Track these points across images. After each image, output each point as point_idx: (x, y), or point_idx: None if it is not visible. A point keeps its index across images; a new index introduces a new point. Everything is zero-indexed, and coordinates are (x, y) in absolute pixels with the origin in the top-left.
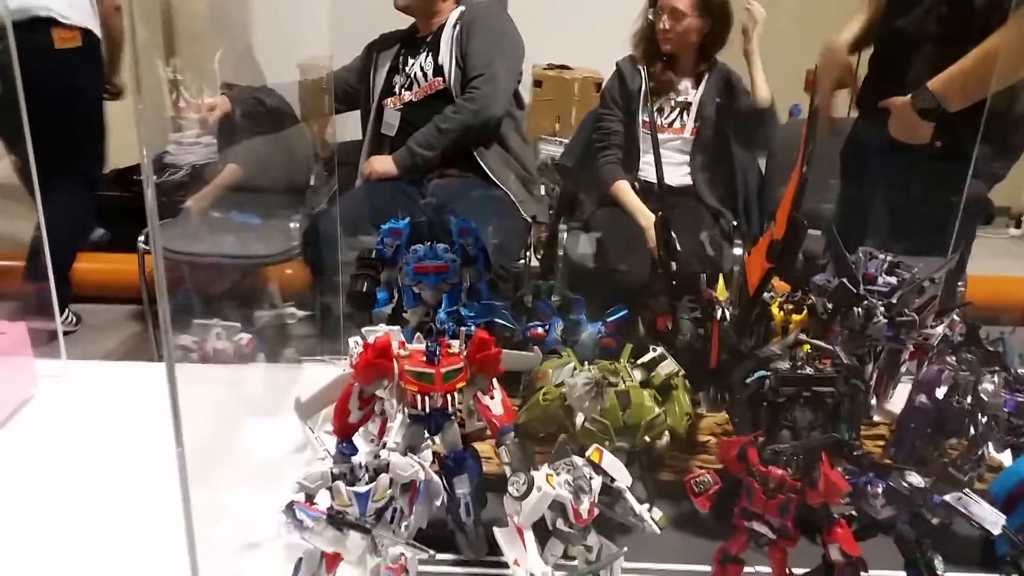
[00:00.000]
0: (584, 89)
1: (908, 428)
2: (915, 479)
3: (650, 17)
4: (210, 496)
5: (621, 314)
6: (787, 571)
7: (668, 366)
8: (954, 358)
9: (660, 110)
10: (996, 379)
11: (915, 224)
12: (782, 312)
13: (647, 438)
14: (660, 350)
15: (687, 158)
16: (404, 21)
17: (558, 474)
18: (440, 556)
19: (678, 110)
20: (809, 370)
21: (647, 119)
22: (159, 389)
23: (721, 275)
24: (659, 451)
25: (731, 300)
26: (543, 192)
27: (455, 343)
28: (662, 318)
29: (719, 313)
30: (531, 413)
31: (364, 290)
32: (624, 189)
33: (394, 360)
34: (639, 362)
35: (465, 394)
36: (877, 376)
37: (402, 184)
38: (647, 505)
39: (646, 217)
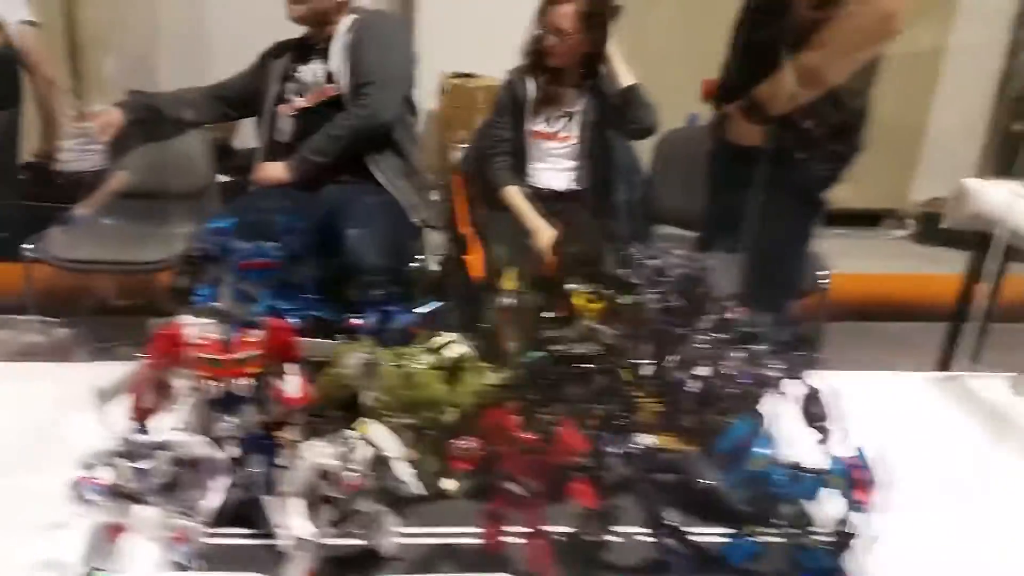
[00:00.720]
0: (488, 97)
1: (674, 401)
2: (646, 440)
3: (538, 32)
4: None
5: (435, 306)
6: (540, 527)
7: (458, 348)
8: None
9: (548, 119)
10: (738, 356)
11: (749, 224)
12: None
13: (431, 414)
14: (452, 335)
15: (574, 163)
16: None
17: (328, 446)
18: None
19: (565, 119)
20: (583, 350)
21: (536, 128)
22: None
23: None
24: (451, 426)
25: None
26: (434, 199)
27: (256, 332)
28: None
29: (507, 302)
30: (320, 392)
31: (184, 286)
32: (514, 194)
33: (186, 347)
34: (430, 346)
35: (266, 379)
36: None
37: (294, 191)
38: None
39: (533, 220)
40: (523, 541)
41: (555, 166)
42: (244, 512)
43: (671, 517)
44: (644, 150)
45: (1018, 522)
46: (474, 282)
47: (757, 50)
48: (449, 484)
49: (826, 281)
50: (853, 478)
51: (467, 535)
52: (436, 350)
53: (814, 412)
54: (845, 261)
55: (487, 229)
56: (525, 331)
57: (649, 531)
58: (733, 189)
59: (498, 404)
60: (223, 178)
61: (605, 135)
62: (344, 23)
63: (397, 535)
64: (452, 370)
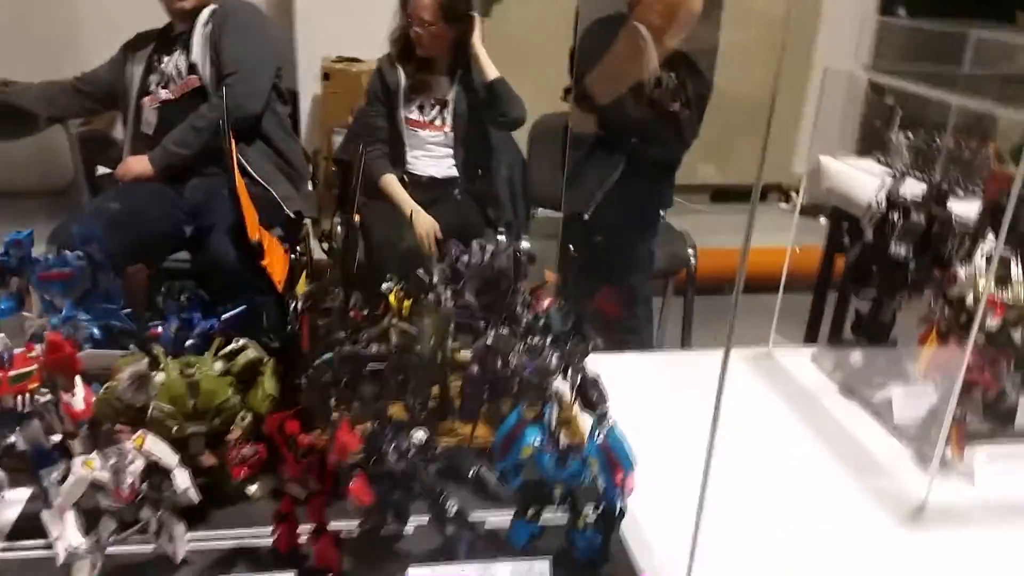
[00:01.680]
0: None
1: (468, 393)
2: (419, 435)
3: (403, 23)
4: None
5: (238, 310)
6: (323, 522)
7: (250, 354)
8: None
9: (421, 107)
10: (521, 347)
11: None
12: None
13: (217, 421)
14: (243, 341)
15: (451, 151)
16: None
17: (103, 459)
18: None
19: (438, 108)
20: (375, 349)
21: (410, 116)
22: None
23: (304, 270)
24: (245, 430)
25: None
26: (311, 188)
27: (38, 347)
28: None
29: (301, 305)
30: (98, 407)
31: None
32: (390, 182)
33: None
34: (220, 353)
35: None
36: None
37: (159, 185)
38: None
39: (411, 208)
40: (311, 539)
41: (432, 154)
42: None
43: (452, 505)
44: (521, 136)
45: (794, 499)
46: (276, 286)
47: (588, 41)
48: (251, 487)
49: (693, 257)
50: (608, 460)
51: (263, 536)
52: (227, 357)
53: (590, 397)
54: (728, 236)
55: (365, 217)
56: (325, 332)
57: (433, 520)
58: (580, 174)
59: (282, 408)
60: (104, 170)
61: (480, 123)
62: (204, 12)
63: (185, 541)
64: (243, 376)
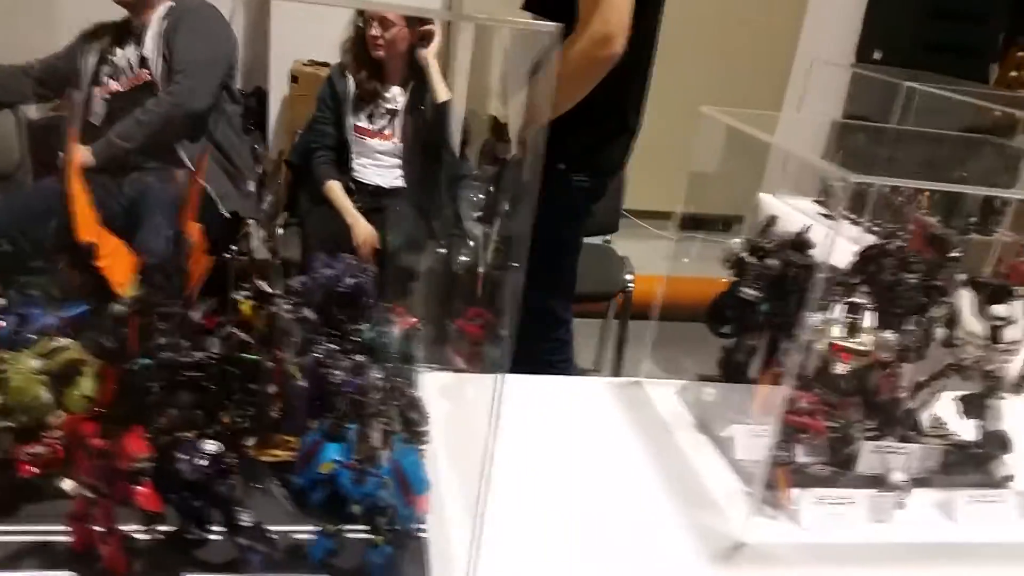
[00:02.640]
0: None
1: (291, 409)
2: (210, 446)
3: (359, 24)
4: None
5: (80, 310)
6: (111, 525)
7: (70, 354)
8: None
9: (371, 116)
10: (345, 363)
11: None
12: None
13: (25, 418)
14: (67, 341)
15: (399, 161)
16: None
17: None
18: None
19: (388, 117)
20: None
21: (358, 123)
22: None
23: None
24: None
25: None
26: (252, 188)
27: None
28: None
29: (128, 308)
30: None
31: None
32: (334, 189)
33: None
34: (40, 351)
35: None
36: None
37: (98, 176)
38: None
39: (351, 216)
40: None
41: (380, 163)
42: None
43: (245, 518)
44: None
45: (617, 529)
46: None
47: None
48: (66, 483)
49: (630, 283)
50: (401, 481)
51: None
52: (46, 355)
53: (409, 418)
54: (691, 264)
55: (308, 221)
56: (147, 336)
57: (227, 531)
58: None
59: (86, 409)
60: None
61: (430, 131)
62: (160, 9)
63: None
64: (64, 375)
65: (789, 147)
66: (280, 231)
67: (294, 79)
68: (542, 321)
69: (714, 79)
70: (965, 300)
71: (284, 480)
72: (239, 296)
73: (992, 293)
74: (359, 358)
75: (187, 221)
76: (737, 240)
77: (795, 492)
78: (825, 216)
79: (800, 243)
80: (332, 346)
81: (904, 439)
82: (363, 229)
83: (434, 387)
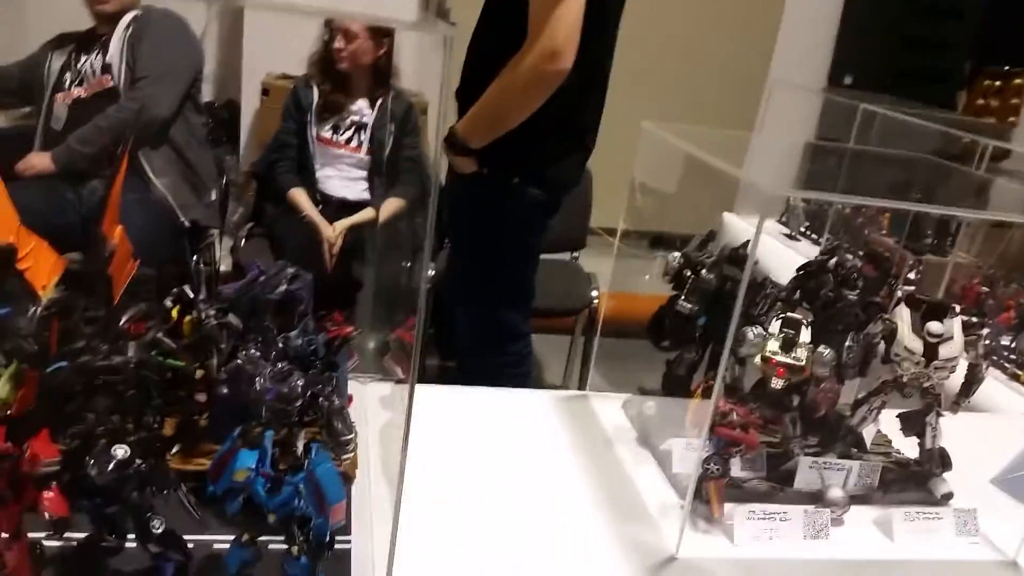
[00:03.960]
0: None
1: (216, 415)
2: (120, 451)
3: (325, 38)
4: None
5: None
6: (15, 531)
7: None
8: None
9: (336, 128)
10: (266, 372)
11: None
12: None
13: None
14: None
15: (365, 174)
16: None
17: None
18: None
19: (353, 128)
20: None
21: (322, 134)
22: None
23: None
24: None
25: None
26: (213, 198)
27: None
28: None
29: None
30: None
31: None
32: (297, 194)
33: None
34: None
35: None
36: None
37: (57, 182)
38: None
39: (315, 217)
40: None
41: (345, 175)
42: None
43: (157, 525)
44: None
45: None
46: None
47: (466, 86)
48: None
49: (596, 299)
50: (315, 491)
51: None
52: None
53: (334, 427)
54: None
55: (274, 230)
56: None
57: (139, 538)
58: (462, 215)
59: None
60: None
61: (396, 152)
62: (127, 17)
63: None
64: None
65: (715, 162)
66: (244, 240)
67: (265, 92)
68: (500, 334)
69: (688, 101)
70: (903, 317)
71: (197, 489)
72: (167, 303)
73: (928, 311)
74: (282, 366)
75: (109, 225)
76: (676, 254)
77: (728, 507)
78: (787, 236)
79: (737, 258)
80: (254, 353)
81: (845, 455)
82: (327, 229)
83: (374, 396)
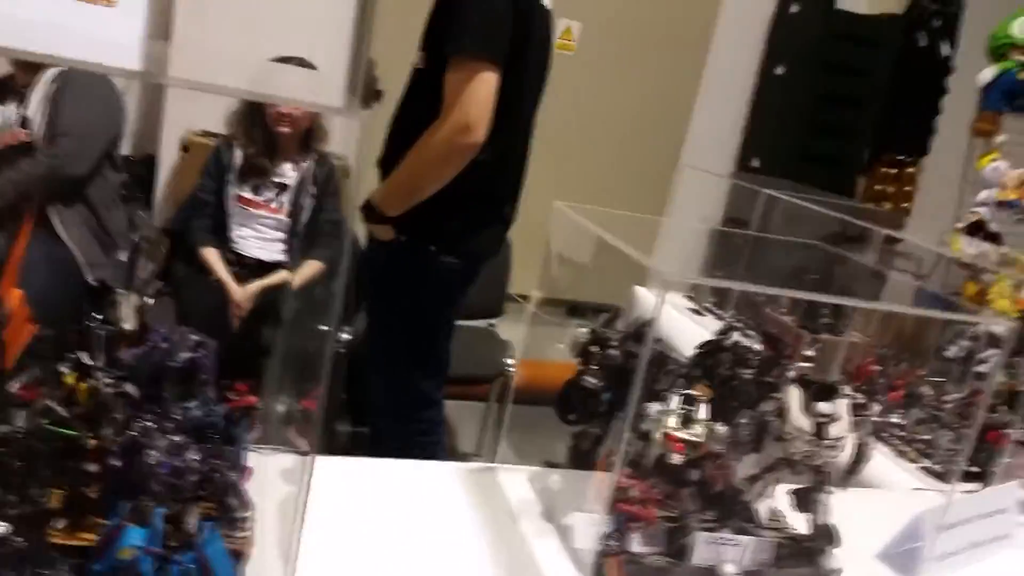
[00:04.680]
0: None
1: (107, 488)
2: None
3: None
4: None
5: None
6: None
7: None
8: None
9: (256, 188)
10: (161, 445)
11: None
12: None
13: None
14: None
15: (282, 235)
16: None
17: None
18: None
19: (276, 190)
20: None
21: (242, 194)
22: None
23: None
24: None
25: None
26: (122, 258)
27: None
28: None
29: None
30: None
31: None
32: (209, 254)
33: None
34: None
35: None
36: None
37: None
38: None
39: (225, 279)
40: None
41: (262, 235)
42: None
43: None
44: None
45: None
46: None
47: (388, 156)
48: None
49: (511, 367)
50: (204, 571)
51: None
52: None
53: (229, 504)
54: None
55: (183, 291)
56: None
57: None
58: (379, 281)
59: None
60: None
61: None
62: (50, 71)
63: None
64: None
65: (617, 243)
66: (151, 301)
67: (185, 148)
68: (412, 401)
69: (605, 181)
70: (794, 397)
71: (81, 566)
72: (63, 368)
73: (817, 391)
74: (178, 439)
75: (6, 287)
76: (583, 329)
77: None
78: (693, 311)
79: (642, 335)
80: (149, 424)
81: (741, 531)
82: (236, 292)
83: (276, 469)
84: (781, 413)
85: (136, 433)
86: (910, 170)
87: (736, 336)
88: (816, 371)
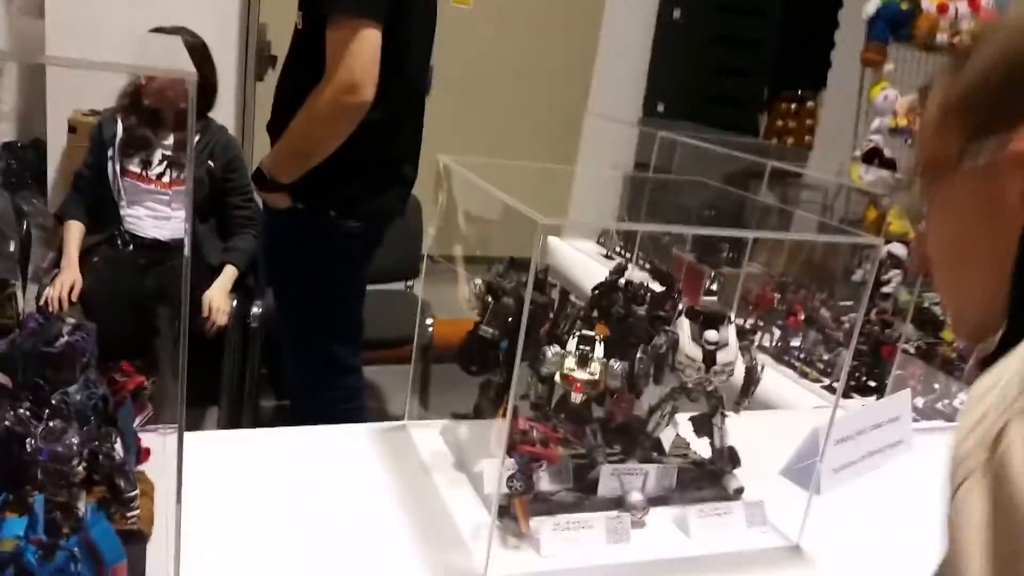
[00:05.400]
0: None
1: None
2: None
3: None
4: None
5: None
6: None
7: None
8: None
9: (147, 162)
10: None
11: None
12: None
13: None
14: None
15: (182, 212)
16: None
17: None
18: None
19: (166, 163)
20: None
21: (129, 168)
22: None
23: None
24: None
25: None
26: (12, 249)
27: None
28: None
29: None
30: None
31: None
32: (69, 228)
33: None
34: None
35: None
36: None
37: None
38: None
39: (65, 259)
40: None
41: (158, 213)
42: None
43: None
44: None
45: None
46: None
47: (275, 121)
48: None
49: (429, 328)
50: (91, 552)
51: None
52: None
53: (118, 485)
54: None
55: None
56: None
57: None
58: (281, 250)
59: None
60: None
61: (216, 186)
62: None
63: None
64: None
65: (497, 192)
66: (49, 288)
67: (72, 129)
68: (329, 369)
69: (515, 135)
70: (684, 328)
71: None
72: None
73: (706, 320)
74: (55, 423)
75: None
76: (478, 281)
77: (536, 521)
78: (604, 256)
79: (537, 283)
80: (23, 412)
81: (647, 460)
82: (67, 275)
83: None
84: (673, 345)
85: (9, 423)
86: (810, 104)
87: (629, 275)
88: (718, 302)
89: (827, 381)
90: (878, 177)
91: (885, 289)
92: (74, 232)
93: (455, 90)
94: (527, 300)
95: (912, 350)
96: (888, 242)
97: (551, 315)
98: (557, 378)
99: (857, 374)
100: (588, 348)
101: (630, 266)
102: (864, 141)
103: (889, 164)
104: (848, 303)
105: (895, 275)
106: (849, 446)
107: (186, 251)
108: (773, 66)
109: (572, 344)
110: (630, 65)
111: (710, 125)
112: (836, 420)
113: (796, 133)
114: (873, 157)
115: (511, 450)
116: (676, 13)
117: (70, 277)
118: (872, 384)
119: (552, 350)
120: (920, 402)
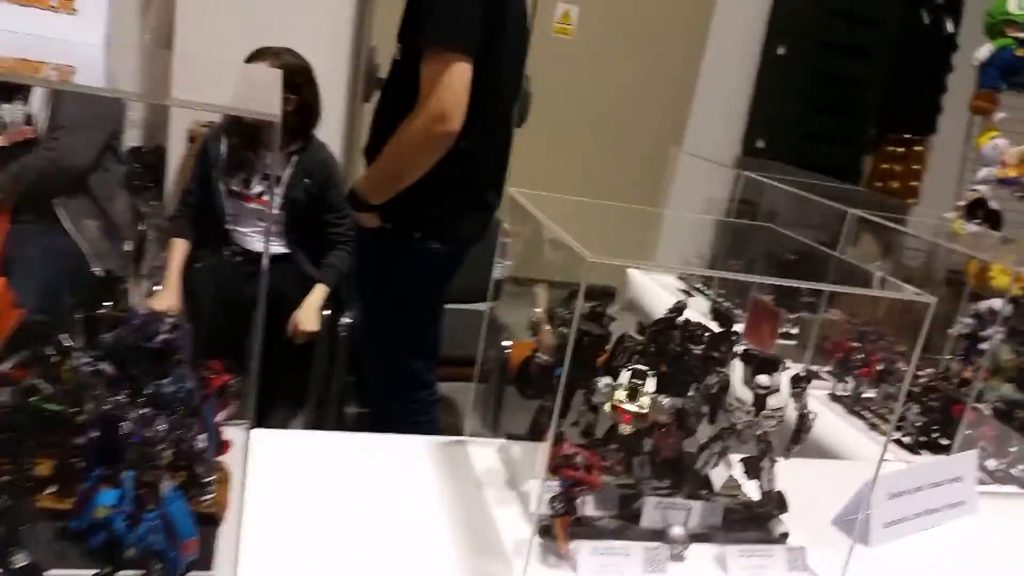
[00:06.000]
0: None
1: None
2: None
3: None
4: None
5: None
6: None
7: None
8: None
9: (247, 181)
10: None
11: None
12: None
13: None
14: None
15: (282, 228)
16: None
17: None
18: None
19: (266, 183)
20: None
21: (232, 188)
22: None
23: None
24: None
25: None
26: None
27: None
28: None
29: None
30: None
31: None
32: (174, 245)
33: None
34: None
35: None
36: None
37: None
38: None
39: (167, 279)
40: None
41: (260, 228)
42: None
43: (18, 559)
44: None
45: None
46: None
47: (372, 144)
48: None
49: (507, 348)
50: (168, 527)
51: None
52: None
53: (195, 471)
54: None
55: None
56: None
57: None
58: (369, 267)
59: None
60: None
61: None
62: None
63: None
64: None
65: (553, 227)
66: (158, 287)
67: (191, 139)
68: (406, 381)
69: (607, 167)
70: (737, 370)
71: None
72: (48, 351)
73: (758, 365)
74: (147, 411)
75: None
76: (538, 310)
77: (575, 544)
78: (683, 291)
79: (593, 315)
80: (121, 399)
81: (694, 497)
82: (166, 298)
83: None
84: (724, 386)
85: (110, 407)
86: (918, 148)
87: (688, 314)
88: (796, 347)
89: (899, 435)
90: (980, 231)
91: (982, 346)
92: (178, 250)
93: (551, 118)
94: (573, 330)
95: (987, 411)
96: (989, 297)
97: (606, 347)
98: (607, 408)
99: (930, 431)
100: (640, 382)
101: (690, 305)
102: (967, 191)
103: (993, 216)
104: (938, 357)
105: (996, 332)
106: (904, 501)
107: (264, 262)
108: (882, 106)
109: (625, 377)
110: (731, 100)
111: (811, 164)
112: (895, 474)
113: (902, 178)
114: (977, 208)
115: (554, 473)
116: (781, 49)
117: (167, 301)
118: (944, 442)
119: (604, 380)
120: (992, 464)
